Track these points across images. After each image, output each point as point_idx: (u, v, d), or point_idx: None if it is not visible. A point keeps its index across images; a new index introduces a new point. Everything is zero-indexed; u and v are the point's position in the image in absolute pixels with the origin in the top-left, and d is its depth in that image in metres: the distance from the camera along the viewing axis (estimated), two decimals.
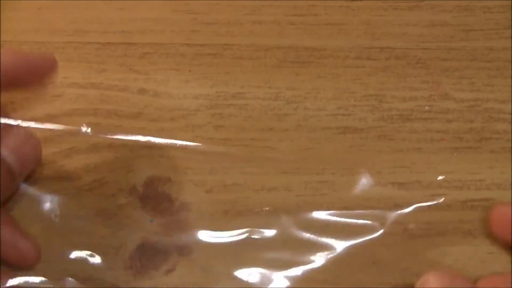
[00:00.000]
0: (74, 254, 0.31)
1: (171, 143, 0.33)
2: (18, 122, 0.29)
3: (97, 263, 0.31)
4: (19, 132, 0.29)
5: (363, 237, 0.31)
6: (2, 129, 0.29)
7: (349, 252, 0.31)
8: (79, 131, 0.33)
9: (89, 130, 0.33)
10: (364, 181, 0.33)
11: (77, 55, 0.36)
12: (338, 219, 0.32)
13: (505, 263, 0.30)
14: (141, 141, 0.33)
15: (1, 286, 0.29)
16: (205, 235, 0.31)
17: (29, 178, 0.31)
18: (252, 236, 0.31)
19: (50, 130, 0.33)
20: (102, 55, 0.36)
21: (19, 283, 0.30)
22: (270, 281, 0.31)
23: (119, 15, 0.37)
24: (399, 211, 0.32)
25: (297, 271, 0.31)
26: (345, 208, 0.32)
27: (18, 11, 0.37)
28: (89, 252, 0.31)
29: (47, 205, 0.32)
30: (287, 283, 0.30)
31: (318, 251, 0.31)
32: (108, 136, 0.33)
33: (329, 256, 0.31)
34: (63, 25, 0.36)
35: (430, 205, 0.32)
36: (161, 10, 0.37)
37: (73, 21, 0.37)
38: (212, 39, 0.36)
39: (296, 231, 0.32)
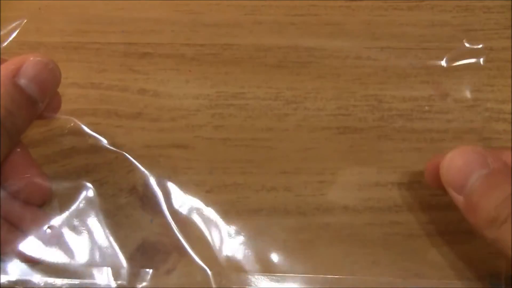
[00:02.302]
0: (75, 254, 0.31)
1: (171, 143, 0.34)
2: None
3: (98, 263, 0.31)
4: (35, 60, 0.29)
5: (363, 237, 0.31)
6: (19, 58, 0.29)
7: (349, 252, 0.31)
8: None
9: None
10: (364, 181, 0.33)
11: (77, 55, 0.36)
12: (338, 219, 0.32)
13: (505, 263, 0.30)
14: (141, 141, 0.33)
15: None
16: (205, 235, 0.31)
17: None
18: (252, 236, 0.31)
19: (50, 130, 0.33)
20: (102, 55, 0.36)
21: (19, 283, 0.30)
22: (270, 281, 0.31)
23: (119, 15, 0.37)
24: (399, 211, 0.32)
25: (297, 271, 0.31)
26: (345, 208, 0.32)
27: (18, 11, 0.37)
28: (89, 252, 0.31)
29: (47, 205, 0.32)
30: (287, 284, 0.30)
31: (318, 251, 0.31)
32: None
33: (329, 256, 0.31)
34: (63, 25, 0.36)
35: (430, 205, 0.32)
36: (161, 10, 0.37)
37: (73, 21, 0.37)
38: (212, 39, 0.36)
39: (295, 231, 0.32)
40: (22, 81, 0.28)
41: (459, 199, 0.28)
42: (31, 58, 0.29)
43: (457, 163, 0.28)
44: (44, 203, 0.32)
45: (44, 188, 0.31)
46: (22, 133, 0.29)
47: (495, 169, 0.27)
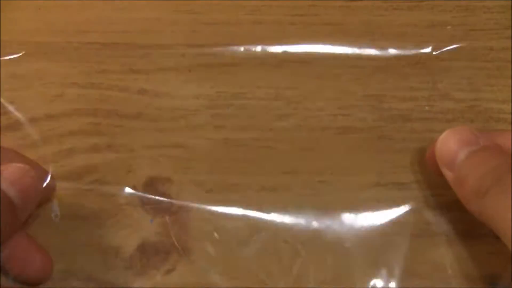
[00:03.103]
0: (74, 254, 0.31)
1: (171, 143, 0.34)
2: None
3: (97, 263, 0.31)
4: (17, 165, 0.28)
5: (363, 237, 0.31)
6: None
7: (349, 252, 0.31)
8: None
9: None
10: (364, 181, 0.33)
11: (77, 55, 0.36)
12: (338, 219, 0.32)
13: (505, 263, 0.30)
14: (141, 141, 0.33)
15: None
16: (205, 235, 0.31)
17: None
18: (252, 236, 0.31)
19: (50, 130, 0.33)
20: (102, 55, 0.36)
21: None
22: (269, 281, 0.31)
23: (119, 15, 0.37)
24: (399, 211, 0.32)
25: (297, 271, 0.31)
26: (346, 208, 0.32)
27: (18, 11, 0.37)
28: (89, 252, 0.31)
29: (47, 205, 0.32)
30: (287, 284, 0.30)
31: (318, 251, 0.31)
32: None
33: (329, 256, 0.31)
34: (63, 25, 0.36)
35: (430, 205, 0.32)
36: (161, 10, 0.37)
37: (73, 21, 0.37)
38: (212, 39, 0.36)
39: (296, 231, 0.32)
40: (3, 185, 0.27)
41: (449, 175, 0.28)
42: (13, 164, 0.28)
43: (450, 141, 0.28)
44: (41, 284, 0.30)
45: (45, 269, 0.30)
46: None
47: (485, 146, 0.28)
